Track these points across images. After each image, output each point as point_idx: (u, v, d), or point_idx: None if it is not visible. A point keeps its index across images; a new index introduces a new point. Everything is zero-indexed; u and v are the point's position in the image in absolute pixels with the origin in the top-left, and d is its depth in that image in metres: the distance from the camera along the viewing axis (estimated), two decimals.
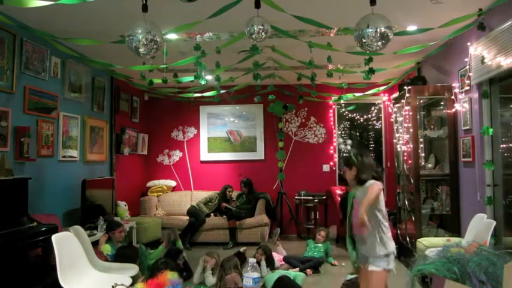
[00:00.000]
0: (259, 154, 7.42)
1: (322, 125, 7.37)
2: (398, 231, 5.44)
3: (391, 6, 3.60)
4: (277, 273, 4.17)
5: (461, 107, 4.54)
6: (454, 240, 4.01)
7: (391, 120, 6.23)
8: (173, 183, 7.44)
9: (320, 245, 5.24)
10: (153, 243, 6.03)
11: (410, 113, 4.91)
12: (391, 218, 5.73)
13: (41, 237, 3.51)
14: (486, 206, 3.93)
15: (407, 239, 4.97)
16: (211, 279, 4.21)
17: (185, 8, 3.38)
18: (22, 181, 3.75)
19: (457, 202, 4.68)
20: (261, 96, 6.74)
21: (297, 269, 4.69)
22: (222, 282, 4.00)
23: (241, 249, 4.94)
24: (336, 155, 7.33)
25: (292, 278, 4.11)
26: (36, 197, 4.17)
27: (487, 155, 4.01)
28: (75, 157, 5.08)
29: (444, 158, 4.96)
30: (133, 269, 3.72)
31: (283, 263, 4.99)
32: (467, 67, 4.28)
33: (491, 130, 3.92)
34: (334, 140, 7.36)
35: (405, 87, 5.03)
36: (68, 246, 3.23)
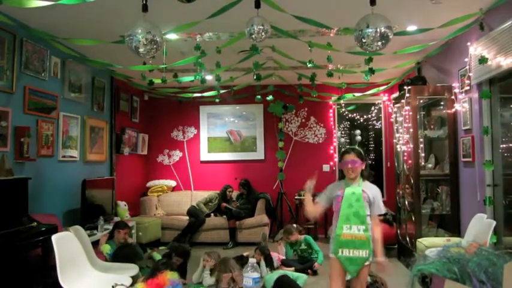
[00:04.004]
0: (259, 154, 7.42)
1: (322, 125, 7.37)
2: (399, 231, 5.44)
3: (391, 6, 3.60)
4: (277, 273, 4.16)
5: (461, 107, 4.54)
6: (454, 240, 4.02)
7: (391, 120, 6.23)
8: (173, 183, 7.44)
9: (302, 245, 5.06)
10: (153, 243, 6.04)
11: (410, 113, 4.91)
12: (389, 217, 5.74)
13: (41, 237, 3.51)
14: (486, 206, 3.93)
15: (407, 239, 4.98)
16: (208, 280, 4.22)
17: (185, 8, 3.38)
18: (22, 181, 3.75)
19: (457, 202, 4.68)
20: (261, 96, 6.74)
21: (293, 268, 4.70)
22: (220, 282, 4.00)
23: (245, 253, 4.93)
24: (336, 155, 7.33)
25: (293, 278, 4.11)
26: (36, 197, 4.17)
27: (487, 155, 4.01)
28: (75, 157, 5.08)
29: (444, 158, 4.96)
30: (133, 269, 3.72)
31: None
32: (467, 67, 4.28)
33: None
34: (334, 140, 7.36)
35: (405, 87, 5.03)
36: (68, 246, 3.23)
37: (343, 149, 3.03)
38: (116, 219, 5.54)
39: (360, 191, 2.80)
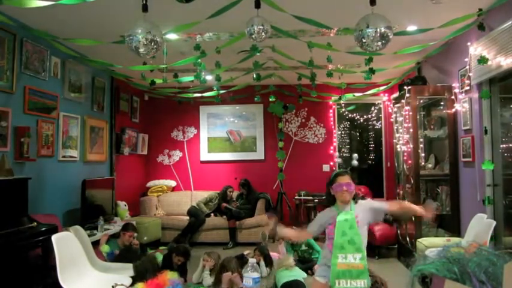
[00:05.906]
0: (259, 154, 7.42)
1: (322, 125, 7.37)
2: (399, 231, 5.44)
3: (391, 6, 3.60)
4: (291, 275, 3.99)
5: (461, 107, 4.54)
6: (454, 240, 4.02)
7: (391, 120, 6.23)
8: (173, 183, 7.44)
9: (303, 246, 5.02)
10: (153, 244, 6.04)
11: (410, 113, 4.91)
12: (389, 217, 5.71)
13: (41, 237, 3.51)
14: (486, 206, 3.93)
15: (407, 239, 4.97)
16: (208, 280, 4.22)
17: (185, 8, 3.38)
18: (22, 181, 3.75)
19: (457, 202, 4.68)
20: (261, 96, 6.74)
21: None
22: (220, 282, 3.99)
23: (245, 252, 4.92)
24: (336, 155, 7.32)
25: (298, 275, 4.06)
26: (36, 197, 4.17)
27: (487, 155, 4.01)
28: (75, 157, 5.08)
29: (444, 158, 4.96)
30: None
31: None
32: (467, 67, 4.28)
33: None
34: (334, 140, 7.37)
35: (405, 87, 5.03)
36: (68, 246, 3.23)
37: (334, 172, 2.87)
38: (116, 219, 5.55)
39: (353, 216, 2.65)
